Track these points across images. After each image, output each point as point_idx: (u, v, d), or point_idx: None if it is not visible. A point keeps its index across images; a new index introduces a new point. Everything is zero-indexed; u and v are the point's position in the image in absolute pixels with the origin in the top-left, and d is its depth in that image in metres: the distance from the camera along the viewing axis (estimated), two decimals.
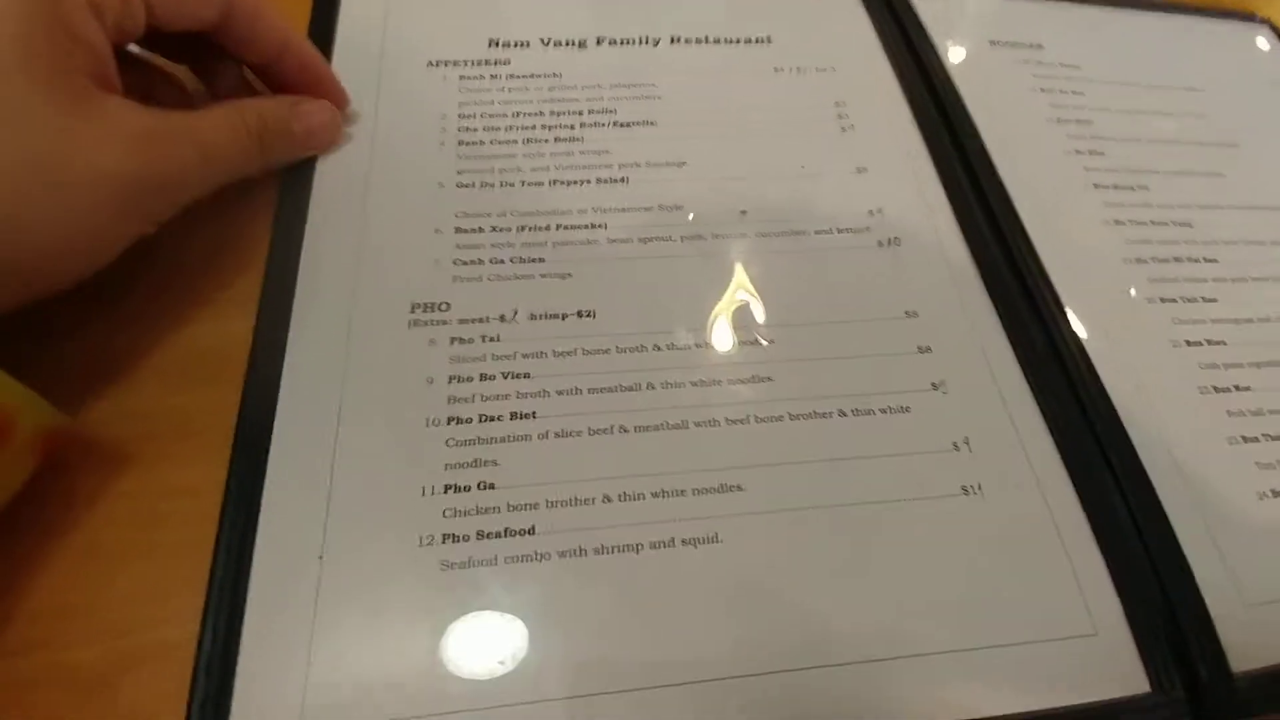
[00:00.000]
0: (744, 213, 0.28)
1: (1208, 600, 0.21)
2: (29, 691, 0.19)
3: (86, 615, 0.20)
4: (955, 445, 0.24)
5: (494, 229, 0.27)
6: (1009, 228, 0.28)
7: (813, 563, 0.21)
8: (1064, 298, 0.27)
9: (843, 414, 0.24)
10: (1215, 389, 0.26)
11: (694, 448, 0.23)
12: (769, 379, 0.24)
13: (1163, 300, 0.28)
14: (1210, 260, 0.30)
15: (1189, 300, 0.28)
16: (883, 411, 0.24)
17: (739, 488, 0.22)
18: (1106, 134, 0.33)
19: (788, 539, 0.22)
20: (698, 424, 0.23)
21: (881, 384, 0.25)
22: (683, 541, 0.21)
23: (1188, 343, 0.27)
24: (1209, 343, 0.27)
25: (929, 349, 0.25)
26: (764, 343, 0.25)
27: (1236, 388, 0.26)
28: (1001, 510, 0.22)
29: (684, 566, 0.21)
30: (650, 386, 0.24)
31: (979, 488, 0.23)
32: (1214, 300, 0.28)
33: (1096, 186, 0.31)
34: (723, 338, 0.25)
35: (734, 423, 0.23)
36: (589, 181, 0.29)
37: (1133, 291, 0.28)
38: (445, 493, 0.22)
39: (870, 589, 0.21)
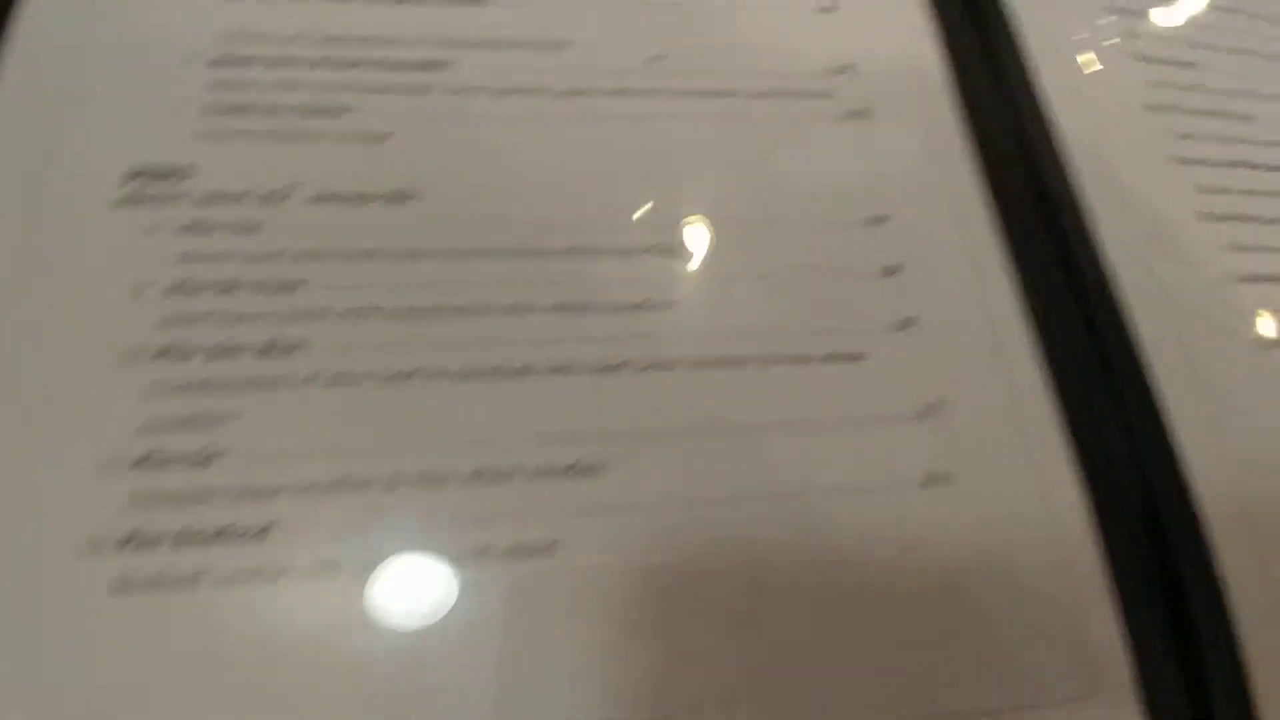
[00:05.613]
0: (655, 58, 0.20)
1: None
2: None
3: None
4: (922, 412, 0.16)
5: (276, 59, 0.18)
6: (1025, 109, 0.20)
7: (699, 587, 0.14)
8: (1098, 216, 0.19)
9: (764, 362, 0.16)
10: None
11: (537, 407, 0.15)
12: (664, 305, 0.17)
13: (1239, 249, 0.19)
14: None
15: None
16: (824, 360, 0.16)
17: (598, 469, 0.15)
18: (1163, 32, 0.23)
19: (664, 549, 0.14)
20: (548, 370, 0.16)
21: (826, 317, 0.17)
22: (506, 551, 0.14)
23: None
24: None
25: (898, 268, 0.18)
26: (660, 252, 0.17)
27: None
28: (978, 511, 0.16)
29: (500, 590, 0.14)
30: (485, 310, 0.16)
31: (949, 477, 0.16)
32: None
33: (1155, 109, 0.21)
34: (598, 239, 0.17)
35: (603, 371, 0.16)
36: None
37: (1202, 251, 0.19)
38: (136, 467, 0.14)
39: (788, 622, 0.14)
